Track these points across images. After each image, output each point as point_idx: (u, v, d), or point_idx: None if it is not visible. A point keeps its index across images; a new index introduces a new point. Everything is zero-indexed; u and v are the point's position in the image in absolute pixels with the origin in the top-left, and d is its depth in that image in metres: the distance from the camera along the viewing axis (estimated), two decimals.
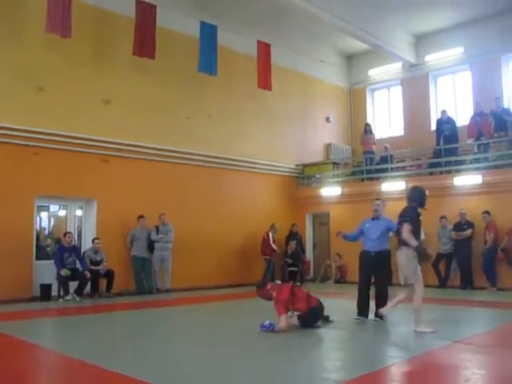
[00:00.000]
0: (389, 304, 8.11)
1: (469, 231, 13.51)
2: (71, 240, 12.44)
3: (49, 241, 13.81)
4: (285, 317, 7.63)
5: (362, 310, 8.83)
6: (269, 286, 8.15)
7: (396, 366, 5.80)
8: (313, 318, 8.01)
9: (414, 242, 7.48)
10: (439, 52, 18.31)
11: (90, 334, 8.04)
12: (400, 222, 7.71)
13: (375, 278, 8.88)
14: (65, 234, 12.45)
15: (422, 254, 7.65)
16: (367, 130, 18.17)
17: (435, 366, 5.86)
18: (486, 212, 13.51)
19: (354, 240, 9.30)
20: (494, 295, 12.53)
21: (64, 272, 11.81)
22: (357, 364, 5.95)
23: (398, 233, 7.83)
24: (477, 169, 14.36)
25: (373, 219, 9.03)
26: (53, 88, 12.39)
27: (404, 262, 7.63)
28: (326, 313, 8.29)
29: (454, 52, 17.97)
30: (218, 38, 14.55)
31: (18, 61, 11.91)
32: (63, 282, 11.87)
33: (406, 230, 7.53)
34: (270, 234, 15.90)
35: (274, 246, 15.84)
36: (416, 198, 7.89)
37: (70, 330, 8.58)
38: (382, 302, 8.53)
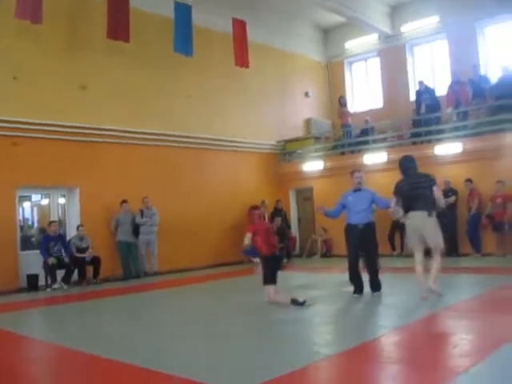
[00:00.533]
0: (433, 277, 7.68)
1: (453, 198, 13.58)
2: (56, 229, 12.36)
3: (33, 231, 13.71)
4: (248, 235, 8.03)
5: (357, 286, 8.59)
6: (256, 217, 8.37)
7: (385, 336, 5.86)
8: (270, 265, 8.13)
9: (443, 203, 7.76)
10: (415, 21, 18.27)
11: (79, 322, 8.04)
12: (428, 187, 7.74)
13: (365, 251, 8.62)
14: (50, 223, 12.36)
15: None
16: (342, 103, 18.13)
17: (424, 334, 5.95)
18: (468, 180, 13.61)
19: (335, 216, 8.95)
20: (479, 261, 12.70)
21: (51, 261, 11.77)
22: (347, 337, 6.01)
23: (426, 199, 7.72)
24: (457, 137, 14.41)
25: (355, 191, 8.76)
26: (27, 76, 12.17)
27: (434, 228, 7.69)
28: (308, 292, 8.27)
29: (430, 21, 17.94)
30: (193, 17, 14.37)
31: None
32: (50, 270, 11.84)
33: (438, 191, 7.75)
34: (263, 212, 15.88)
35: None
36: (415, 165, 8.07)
37: (59, 319, 8.57)
38: (374, 274, 8.52)
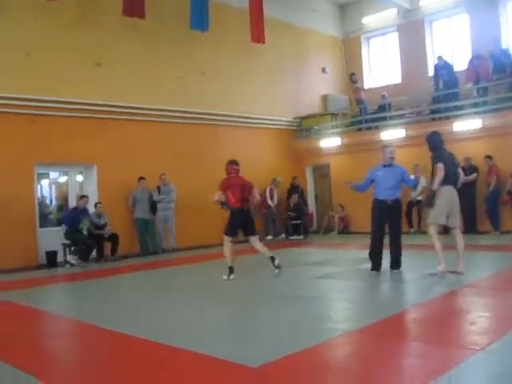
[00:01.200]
0: (461, 260, 7.71)
1: (474, 175, 13.44)
2: (86, 203, 12.56)
3: (51, 208, 13.84)
4: (218, 193, 8.74)
5: (376, 263, 8.47)
6: (233, 173, 8.84)
7: (403, 313, 5.86)
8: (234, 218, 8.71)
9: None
10: None
11: (98, 298, 8.12)
12: (456, 165, 7.94)
13: (391, 227, 8.42)
14: (81, 197, 12.60)
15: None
16: (353, 79, 17.89)
17: (442, 311, 5.93)
18: (488, 157, 13.43)
19: (362, 190, 8.81)
20: (498, 238, 12.60)
21: (82, 224, 12.07)
22: (364, 314, 6.02)
23: (456, 176, 7.84)
24: (476, 113, 14.21)
25: (385, 166, 8.51)
26: (42, 54, 12.17)
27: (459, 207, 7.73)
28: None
29: None
30: None
31: (4, 28, 11.67)
32: (78, 240, 12.10)
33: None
34: (268, 190, 15.92)
35: (269, 201, 15.85)
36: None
37: (79, 296, 8.70)
38: (397, 251, 8.38)
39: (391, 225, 8.42)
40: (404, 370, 4.17)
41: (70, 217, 12.26)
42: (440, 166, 7.61)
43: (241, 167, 9.07)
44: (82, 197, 12.63)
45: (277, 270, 8.65)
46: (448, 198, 7.67)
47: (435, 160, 7.75)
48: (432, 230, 7.74)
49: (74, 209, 12.51)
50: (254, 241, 8.95)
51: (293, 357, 4.37)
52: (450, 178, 7.67)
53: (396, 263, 8.41)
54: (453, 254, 7.80)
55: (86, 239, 12.20)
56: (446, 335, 4.83)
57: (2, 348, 5.33)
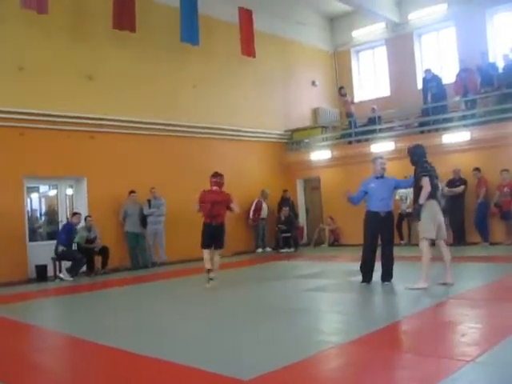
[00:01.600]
0: (449, 271, 7.80)
1: (461, 187, 13.54)
2: (79, 221, 12.44)
3: (41, 222, 13.76)
4: (196, 204, 9.29)
5: (367, 275, 8.46)
6: (213, 186, 9.32)
7: (393, 325, 5.86)
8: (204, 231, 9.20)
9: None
10: (423, 9, 18.13)
11: (88, 312, 8.05)
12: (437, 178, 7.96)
13: (383, 239, 8.42)
14: (74, 214, 12.49)
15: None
16: (342, 93, 18.05)
17: (432, 322, 5.95)
18: (477, 169, 13.53)
19: (356, 203, 8.78)
20: (487, 250, 12.64)
21: (78, 238, 12.09)
22: (355, 326, 6.01)
23: (438, 188, 7.98)
24: (465, 125, 14.34)
25: (377, 178, 8.54)
26: (34, 67, 12.18)
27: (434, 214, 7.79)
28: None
29: (438, 9, 17.80)
30: (198, 6, 14.31)
31: None
32: (77, 255, 12.05)
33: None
34: (254, 202, 15.99)
35: (251, 213, 15.93)
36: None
37: (69, 310, 8.64)
38: (390, 263, 8.39)
39: (384, 236, 8.42)
40: (395, 382, 4.17)
41: (65, 232, 12.10)
42: (426, 180, 7.68)
43: (224, 178, 9.45)
44: (75, 214, 12.54)
45: (207, 285, 9.12)
46: (434, 211, 7.75)
47: (420, 173, 7.81)
48: (424, 245, 7.76)
49: (70, 224, 12.35)
50: (216, 253, 9.31)
51: (284, 370, 4.35)
52: (434, 192, 7.75)
53: (387, 275, 8.41)
54: (440, 266, 7.84)
55: (78, 253, 12.14)
56: (436, 347, 4.83)
57: None
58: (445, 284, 7.72)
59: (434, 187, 7.76)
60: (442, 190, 7.97)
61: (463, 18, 17.18)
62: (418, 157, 8.03)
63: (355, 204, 8.86)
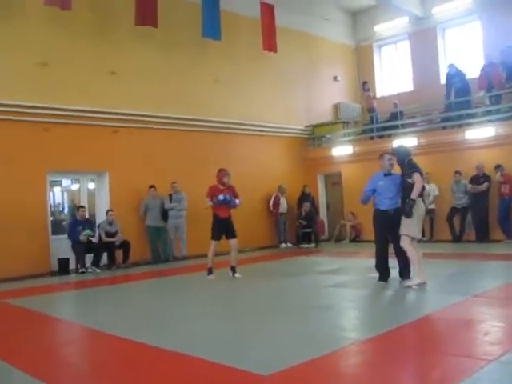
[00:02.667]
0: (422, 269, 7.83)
1: (485, 185, 13.37)
2: (84, 214, 12.53)
3: (63, 215, 13.90)
4: (208, 200, 9.88)
5: (383, 274, 8.37)
6: (221, 179, 10.00)
7: (414, 323, 5.80)
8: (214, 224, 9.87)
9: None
10: (447, 3, 17.90)
11: (109, 306, 8.15)
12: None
13: (394, 237, 8.15)
14: (78, 208, 12.55)
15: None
16: (365, 87, 18.00)
17: (454, 321, 5.87)
18: (500, 165, 13.34)
19: (367, 202, 8.62)
20: (510, 247, 12.47)
21: (83, 237, 12.01)
22: (375, 323, 5.97)
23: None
24: (489, 121, 14.15)
25: (385, 175, 8.40)
26: (57, 63, 12.28)
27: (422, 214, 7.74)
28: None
29: (463, 2, 17.56)
30: (220, 1, 14.30)
31: (20, 37, 11.79)
32: (80, 252, 12.06)
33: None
34: (273, 197, 16.06)
35: (271, 206, 16.29)
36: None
37: (90, 302, 8.71)
38: (404, 259, 8.16)
39: (394, 234, 8.14)
40: (416, 381, 4.14)
41: (72, 229, 12.22)
42: (418, 176, 7.68)
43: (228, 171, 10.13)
44: (80, 207, 12.62)
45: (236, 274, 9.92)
46: (421, 211, 7.75)
47: (410, 170, 7.77)
48: (406, 243, 7.71)
49: (75, 220, 12.44)
50: (233, 248, 10.01)
51: (304, 365, 4.35)
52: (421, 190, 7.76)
53: (405, 272, 8.25)
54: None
55: (86, 249, 12.24)
56: (459, 345, 4.79)
57: (15, 354, 5.35)
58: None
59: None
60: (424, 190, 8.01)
61: (488, 11, 16.91)
62: (403, 155, 8.00)
63: (365, 203, 8.71)
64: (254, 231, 15.39)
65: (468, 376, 3.92)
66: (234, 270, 9.91)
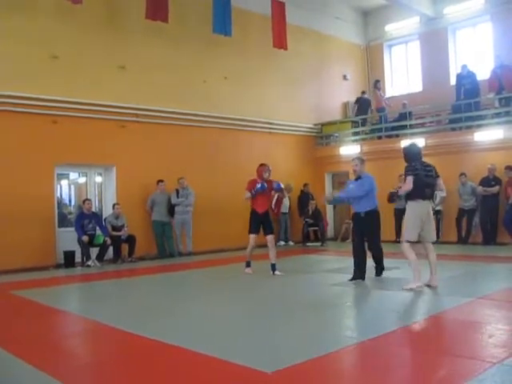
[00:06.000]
0: (434, 273, 7.83)
1: (496, 188, 13.32)
2: (90, 207, 12.50)
3: (70, 208, 13.94)
4: (247, 192, 9.99)
5: (356, 272, 8.70)
6: (261, 173, 10.06)
7: (418, 324, 5.80)
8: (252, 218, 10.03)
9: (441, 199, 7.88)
10: (459, 3, 17.82)
11: (115, 299, 8.17)
12: (434, 177, 7.83)
13: (367, 237, 8.81)
14: (84, 201, 12.55)
15: None
16: (377, 86, 17.96)
17: (459, 322, 5.86)
18: (508, 167, 13.28)
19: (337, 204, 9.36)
20: None
21: (85, 239, 11.98)
22: (380, 323, 5.95)
23: (433, 188, 7.83)
24: (498, 123, 14.07)
25: (356, 180, 8.86)
26: (67, 55, 12.32)
27: (433, 220, 7.81)
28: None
29: (475, 3, 17.47)
30: None
31: (31, 29, 11.81)
32: (84, 248, 12.07)
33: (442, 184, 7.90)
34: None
35: (273, 205, 16.06)
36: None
37: (96, 296, 8.73)
38: (379, 261, 8.85)
39: (367, 235, 8.79)
40: (419, 381, 4.13)
41: (79, 223, 12.19)
42: (409, 179, 7.61)
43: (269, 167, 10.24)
44: (86, 200, 12.58)
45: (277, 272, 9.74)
46: (419, 212, 7.63)
47: (406, 172, 7.75)
48: (405, 247, 7.68)
49: (81, 214, 12.42)
50: (271, 245, 9.89)
51: (308, 363, 4.35)
52: (421, 192, 7.62)
53: (377, 270, 8.89)
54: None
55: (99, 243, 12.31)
56: (463, 347, 4.78)
57: (22, 346, 5.37)
58: (429, 286, 7.71)
59: (423, 187, 7.62)
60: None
61: (500, 13, 16.82)
62: (410, 155, 7.93)
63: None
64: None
65: (471, 378, 3.91)
66: (273, 267, 9.76)
